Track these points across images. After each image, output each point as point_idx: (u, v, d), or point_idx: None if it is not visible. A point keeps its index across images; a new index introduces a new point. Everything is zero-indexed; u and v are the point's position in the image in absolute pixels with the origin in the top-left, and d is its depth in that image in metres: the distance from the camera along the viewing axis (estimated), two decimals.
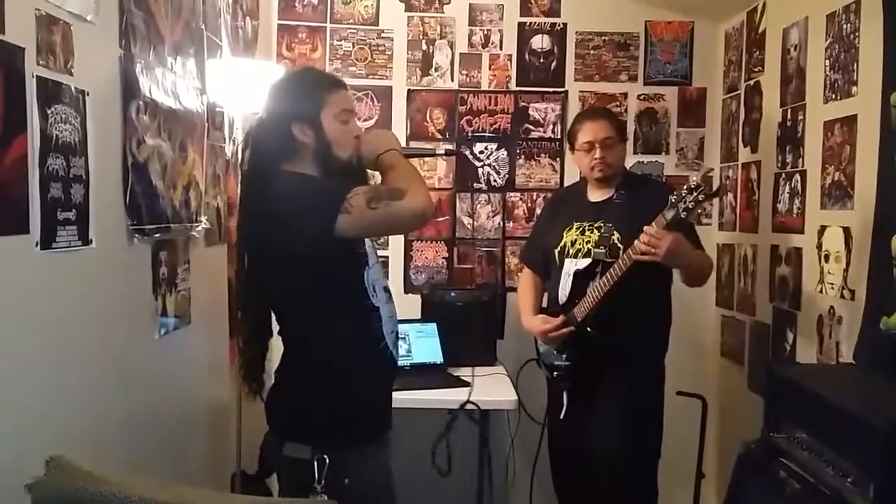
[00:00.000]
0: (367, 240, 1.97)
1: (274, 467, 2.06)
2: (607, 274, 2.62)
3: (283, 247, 1.83)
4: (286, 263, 1.86)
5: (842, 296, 2.49)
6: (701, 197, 2.39)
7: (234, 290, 2.87)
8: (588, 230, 2.80)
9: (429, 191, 1.89)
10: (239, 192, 2.02)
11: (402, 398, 2.74)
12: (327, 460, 1.83)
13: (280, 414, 1.97)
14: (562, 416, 2.84)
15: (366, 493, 1.87)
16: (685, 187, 2.43)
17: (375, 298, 1.94)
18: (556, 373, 2.87)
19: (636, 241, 2.50)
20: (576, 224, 2.84)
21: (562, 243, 2.85)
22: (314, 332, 1.90)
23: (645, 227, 2.47)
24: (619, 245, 2.68)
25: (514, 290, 3.27)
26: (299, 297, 1.90)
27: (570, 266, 2.79)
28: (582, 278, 2.73)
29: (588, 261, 2.74)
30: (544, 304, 3.01)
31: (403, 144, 2.26)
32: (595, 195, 2.89)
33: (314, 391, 1.89)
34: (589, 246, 2.77)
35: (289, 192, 1.84)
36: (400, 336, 3.01)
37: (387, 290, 2.01)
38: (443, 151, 2.56)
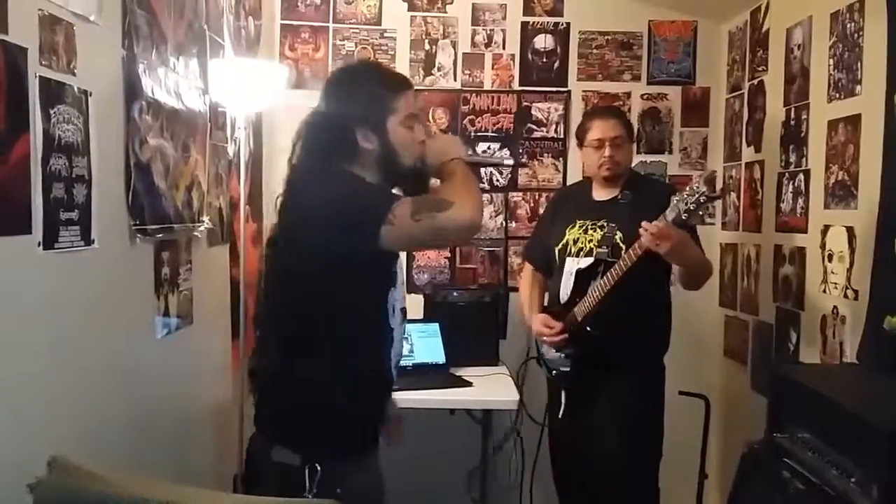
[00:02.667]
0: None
1: (260, 470, 1.97)
2: (609, 273, 2.61)
3: (323, 251, 1.75)
4: (321, 267, 1.77)
5: (845, 295, 2.48)
6: (703, 199, 2.39)
7: (236, 290, 2.87)
8: (591, 229, 2.80)
9: (481, 203, 1.83)
10: (284, 185, 1.89)
11: (403, 398, 2.74)
12: (319, 469, 1.78)
13: (272, 417, 1.92)
14: (560, 416, 2.83)
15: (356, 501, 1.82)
16: (687, 189, 2.42)
17: (393, 320, 1.89)
18: (555, 371, 2.87)
19: (642, 230, 2.47)
20: (578, 222, 2.84)
21: (563, 241, 2.84)
22: (325, 342, 1.83)
23: (645, 223, 2.45)
24: (622, 245, 2.67)
25: (516, 290, 3.26)
26: (323, 304, 1.81)
27: (572, 265, 2.78)
28: (583, 277, 2.73)
29: (590, 260, 2.73)
30: (545, 302, 3.00)
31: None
32: (600, 194, 2.89)
33: (312, 399, 1.84)
34: (591, 245, 2.76)
35: (337, 196, 1.77)
36: (403, 336, 3.02)
37: (403, 311, 1.95)
38: (511, 162, 2.48)
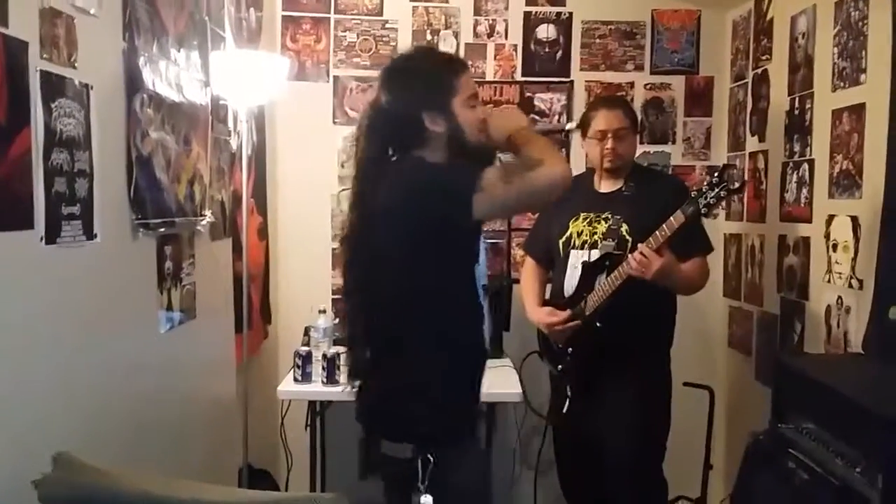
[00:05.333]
0: None
1: (374, 460, 1.97)
2: (617, 270, 2.60)
3: (417, 234, 1.78)
4: (415, 252, 1.80)
5: (850, 285, 2.47)
6: (723, 193, 2.38)
7: (239, 284, 2.87)
8: (595, 221, 2.78)
9: (565, 160, 1.87)
10: (355, 178, 1.90)
11: None
12: (431, 459, 1.79)
13: (377, 411, 1.92)
14: (565, 411, 2.82)
15: (469, 489, 1.86)
16: (706, 182, 2.41)
17: (481, 297, 1.94)
18: (560, 366, 2.85)
19: (630, 257, 2.54)
20: (583, 214, 2.81)
21: (567, 233, 2.82)
22: (425, 327, 1.85)
23: (640, 246, 2.51)
24: (628, 237, 2.67)
25: (519, 281, 3.25)
26: (419, 289, 1.84)
27: (577, 257, 2.77)
28: (591, 271, 2.71)
29: (596, 253, 2.71)
30: (547, 296, 2.99)
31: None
32: (604, 186, 2.85)
33: (417, 388, 1.83)
34: (596, 237, 2.75)
35: (425, 177, 1.81)
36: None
37: (485, 287, 2.00)
38: (571, 126, 2.52)
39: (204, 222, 2.52)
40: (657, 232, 2.50)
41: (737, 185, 2.44)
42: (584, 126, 2.87)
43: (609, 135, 2.76)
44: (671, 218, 2.46)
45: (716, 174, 2.44)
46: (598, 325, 2.67)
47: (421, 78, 1.87)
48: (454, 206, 1.74)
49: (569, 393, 2.80)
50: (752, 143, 3.35)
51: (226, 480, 2.74)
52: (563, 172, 1.79)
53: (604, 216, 2.76)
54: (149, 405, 2.12)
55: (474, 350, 1.93)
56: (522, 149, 1.83)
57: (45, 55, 1.58)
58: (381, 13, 3.63)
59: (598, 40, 3.66)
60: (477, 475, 1.93)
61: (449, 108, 1.83)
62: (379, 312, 1.89)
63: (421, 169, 1.82)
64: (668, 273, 2.53)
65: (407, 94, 1.85)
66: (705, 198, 2.39)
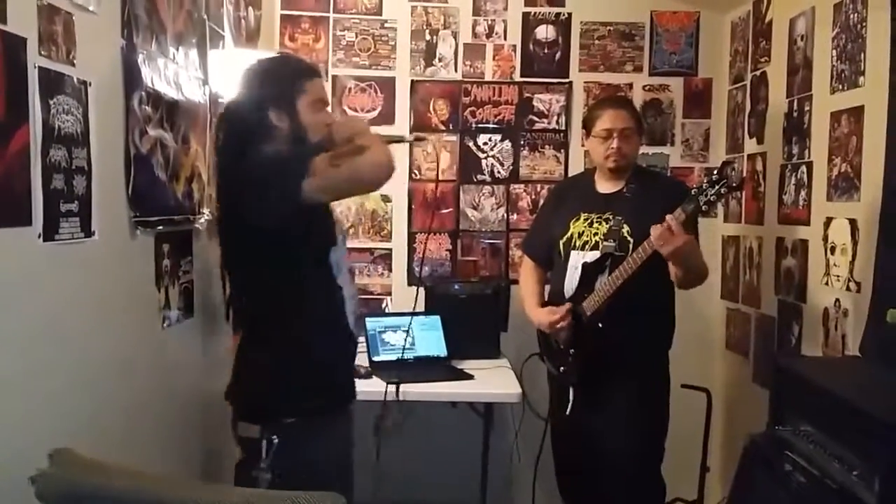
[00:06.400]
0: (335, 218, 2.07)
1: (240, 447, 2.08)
2: (620, 268, 2.58)
3: (253, 219, 1.86)
4: (256, 236, 1.89)
5: (848, 288, 2.48)
6: (723, 190, 2.38)
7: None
8: (596, 222, 2.77)
9: (390, 152, 1.95)
10: (215, 170, 2.10)
11: (405, 391, 2.76)
12: (276, 441, 1.88)
13: (236, 394, 2.04)
14: (568, 412, 2.81)
15: (319, 470, 1.88)
16: (706, 180, 2.41)
17: (340, 279, 2.01)
18: (562, 367, 2.84)
19: (652, 228, 2.45)
20: (583, 215, 2.80)
21: (568, 234, 2.81)
22: (276, 310, 1.96)
23: (667, 217, 2.43)
24: (629, 238, 2.65)
25: (517, 282, 3.25)
26: (265, 272, 1.95)
27: (578, 258, 2.75)
28: (590, 271, 2.70)
29: (597, 253, 2.71)
30: (546, 296, 2.98)
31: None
32: (604, 186, 2.85)
33: (270, 369, 1.95)
34: (597, 238, 2.74)
35: (256, 164, 1.91)
36: (403, 329, 3.06)
37: (351, 271, 2.09)
38: (412, 138, 2.61)
39: (202, 220, 2.51)
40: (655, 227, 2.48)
41: (736, 182, 2.42)
42: (588, 125, 2.86)
43: (615, 134, 2.75)
44: (673, 214, 2.44)
45: (715, 171, 2.43)
46: (599, 325, 2.66)
47: (272, 77, 2.02)
48: (285, 188, 1.82)
49: (571, 395, 2.79)
50: (750, 146, 3.36)
51: (223, 478, 2.73)
52: (387, 159, 1.92)
53: (605, 217, 2.75)
54: (147, 402, 2.11)
55: (330, 332, 2.01)
56: (356, 142, 1.96)
57: (43, 52, 1.58)
58: (379, 13, 3.63)
59: (597, 41, 3.66)
60: (329, 456, 1.97)
61: (294, 107, 1.96)
62: (239, 297, 2.05)
63: (257, 161, 1.92)
64: (688, 252, 2.48)
65: (258, 91, 1.99)
66: (705, 195, 2.38)
